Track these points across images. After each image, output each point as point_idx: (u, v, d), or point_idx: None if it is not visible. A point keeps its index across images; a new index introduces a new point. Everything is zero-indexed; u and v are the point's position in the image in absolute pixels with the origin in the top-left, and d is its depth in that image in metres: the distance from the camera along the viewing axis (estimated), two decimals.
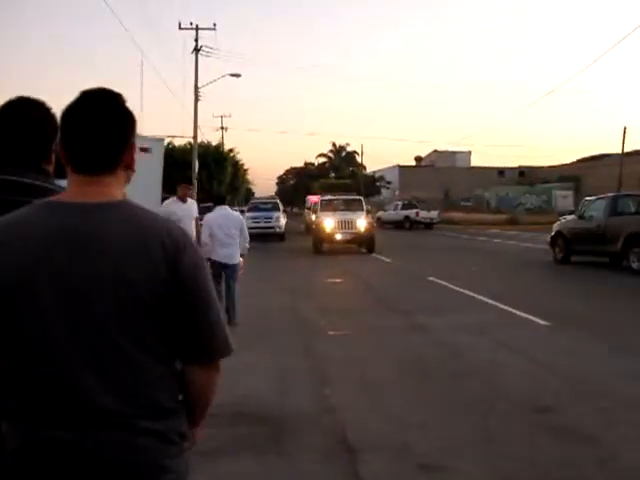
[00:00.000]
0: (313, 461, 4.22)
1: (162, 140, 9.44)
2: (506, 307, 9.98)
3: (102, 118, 1.62)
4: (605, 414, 5.06)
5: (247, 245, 9.14)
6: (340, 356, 7.17)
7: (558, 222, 19.74)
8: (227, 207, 9.16)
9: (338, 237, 22.51)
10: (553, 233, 18.59)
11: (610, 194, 18.03)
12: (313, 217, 27.28)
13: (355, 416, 5.11)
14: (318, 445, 4.49)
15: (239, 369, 6.65)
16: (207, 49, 33.46)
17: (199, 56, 33.07)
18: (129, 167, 1.71)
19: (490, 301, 10.66)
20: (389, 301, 11.46)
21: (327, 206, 24.19)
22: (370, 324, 9.03)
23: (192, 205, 9.28)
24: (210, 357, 1.68)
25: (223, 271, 8.80)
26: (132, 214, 1.61)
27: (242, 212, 35.90)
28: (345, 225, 22.43)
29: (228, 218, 8.94)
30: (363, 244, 22.77)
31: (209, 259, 9.02)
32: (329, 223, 22.59)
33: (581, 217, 17.47)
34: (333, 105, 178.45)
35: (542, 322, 8.77)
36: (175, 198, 9.17)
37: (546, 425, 4.82)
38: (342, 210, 23.32)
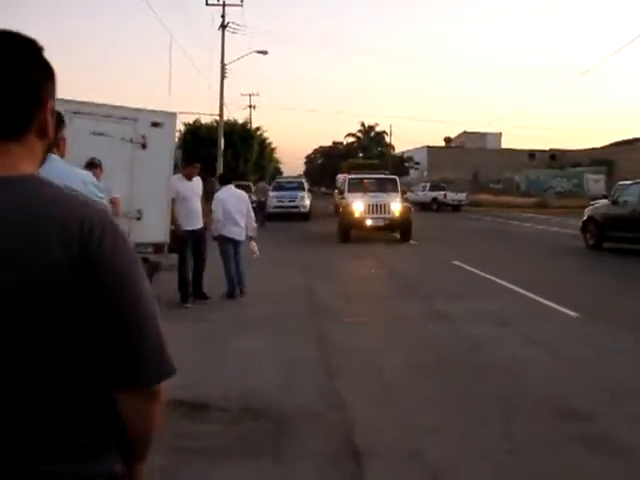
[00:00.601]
0: (313, 468, 3.83)
1: (174, 114, 9.08)
2: (533, 295, 9.46)
3: (4, 68, 1.22)
4: None
5: (255, 224, 9.45)
6: (354, 346, 6.77)
7: (590, 207, 19.06)
8: (232, 186, 9.41)
9: (369, 223, 19.12)
10: (585, 218, 17.92)
11: None
12: (341, 199, 22.38)
13: (365, 415, 4.72)
14: (321, 448, 4.10)
15: (248, 354, 6.36)
16: (234, 25, 33.05)
17: (226, 33, 32.69)
18: (44, 134, 1.30)
19: (516, 288, 10.13)
20: (410, 286, 11.01)
21: (356, 186, 20.99)
22: (389, 311, 8.63)
23: (198, 183, 8.99)
24: (142, 381, 1.26)
25: (234, 247, 9.12)
26: (35, 194, 1.20)
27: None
28: (377, 209, 19.14)
29: (238, 197, 9.20)
30: (398, 230, 19.80)
31: (221, 235, 8.88)
32: (358, 206, 19.16)
33: (615, 202, 16.77)
34: (362, 85, 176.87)
35: (572, 313, 8.26)
36: (180, 175, 8.96)
37: (574, 433, 4.37)
38: (373, 191, 20.23)
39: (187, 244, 8.56)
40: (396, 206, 19.20)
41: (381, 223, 19.16)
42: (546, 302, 8.93)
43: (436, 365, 6.05)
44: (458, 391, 5.31)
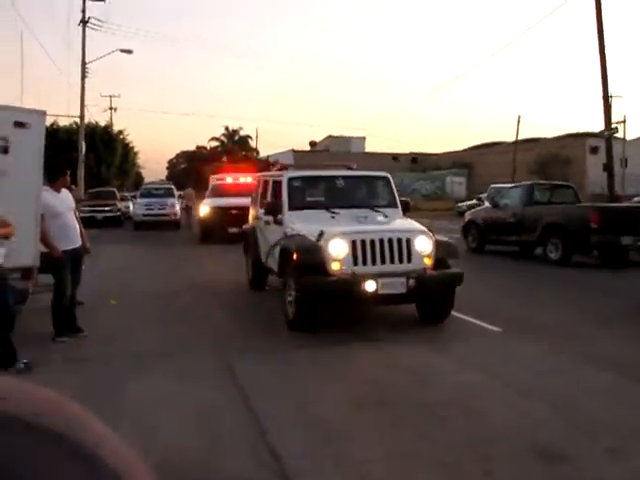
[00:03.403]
0: None
1: (43, 113, 7.69)
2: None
3: None
4: (619, 457, 4.06)
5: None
6: (273, 383, 5.86)
7: (470, 210, 19.30)
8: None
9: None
10: (466, 221, 18.08)
11: (525, 183, 17.70)
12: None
13: None
14: None
15: (148, 404, 5.26)
16: (95, 21, 30.93)
17: (87, 30, 30.50)
18: None
19: None
20: None
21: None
22: (292, 335, 7.73)
23: (67, 194, 7.67)
24: None
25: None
26: None
27: (133, 198, 33.97)
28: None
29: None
30: None
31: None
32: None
33: (495, 206, 16.98)
34: (229, 87, 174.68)
35: (494, 328, 7.81)
36: (47, 187, 7.42)
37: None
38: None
39: (67, 267, 7.21)
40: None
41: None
42: (463, 316, 8.41)
43: (378, 402, 5.25)
44: (410, 436, 4.54)
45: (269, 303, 9.43)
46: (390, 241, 7.49)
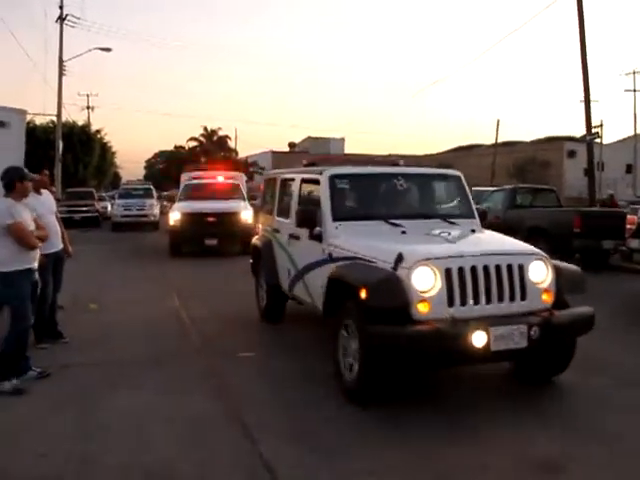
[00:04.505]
0: None
1: (23, 112, 7.52)
2: None
3: None
4: None
5: None
6: (265, 393, 5.72)
7: None
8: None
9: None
10: None
11: (507, 186, 17.72)
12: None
13: None
14: None
15: (132, 417, 5.09)
16: (73, 19, 30.49)
17: (64, 27, 30.05)
18: None
19: None
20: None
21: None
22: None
23: (48, 196, 7.41)
24: None
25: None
26: None
27: (111, 198, 33.54)
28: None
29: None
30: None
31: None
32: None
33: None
34: (206, 88, 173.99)
35: None
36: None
37: None
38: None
39: (48, 270, 6.98)
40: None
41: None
42: None
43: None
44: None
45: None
46: (498, 269, 5.14)
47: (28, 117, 31.52)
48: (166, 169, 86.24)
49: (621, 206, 18.98)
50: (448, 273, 4.97)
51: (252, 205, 17.25)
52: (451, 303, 4.97)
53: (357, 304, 5.11)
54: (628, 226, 14.20)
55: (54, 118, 31.24)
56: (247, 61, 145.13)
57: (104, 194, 37.17)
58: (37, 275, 6.08)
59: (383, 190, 7.05)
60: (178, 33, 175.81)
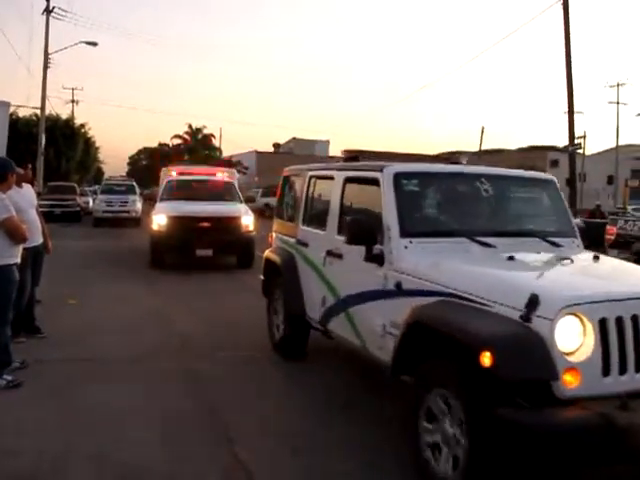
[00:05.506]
0: None
1: (7, 104, 7.38)
2: None
3: None
4: None
5: None
6: (247, 397, 5.71)
7: None
8: None
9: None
10: None
11: None
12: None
13: None
14: None
15: (108, 413, 5.05)
16: (60, 11, 30.26)
17: (50, 19, 29.81)
18: None
19: None
20: None
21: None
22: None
23: (29, 189, 7.29)
24: None
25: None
26: None
27: (94, 193, 33.28)
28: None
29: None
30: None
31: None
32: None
33: None
34: (192, 86, 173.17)
35: None
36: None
37: None
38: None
39: (28, 265, 6.87)
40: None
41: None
42: None
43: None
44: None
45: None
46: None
47: (11, 109, 31.27)
48: (149, 166, 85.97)
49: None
50: (603, 325, 3.41)
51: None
52: (607, 371, 3.39)
53: (463, 369, 3.51)
54: (607, 236, 14.36)
55: (37, 111, 31.01)
56: (234, 61, 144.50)
57: (86, 189, 36.88)
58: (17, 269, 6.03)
59: (464, 196, 5.26)
60: (167, 31, 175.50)
